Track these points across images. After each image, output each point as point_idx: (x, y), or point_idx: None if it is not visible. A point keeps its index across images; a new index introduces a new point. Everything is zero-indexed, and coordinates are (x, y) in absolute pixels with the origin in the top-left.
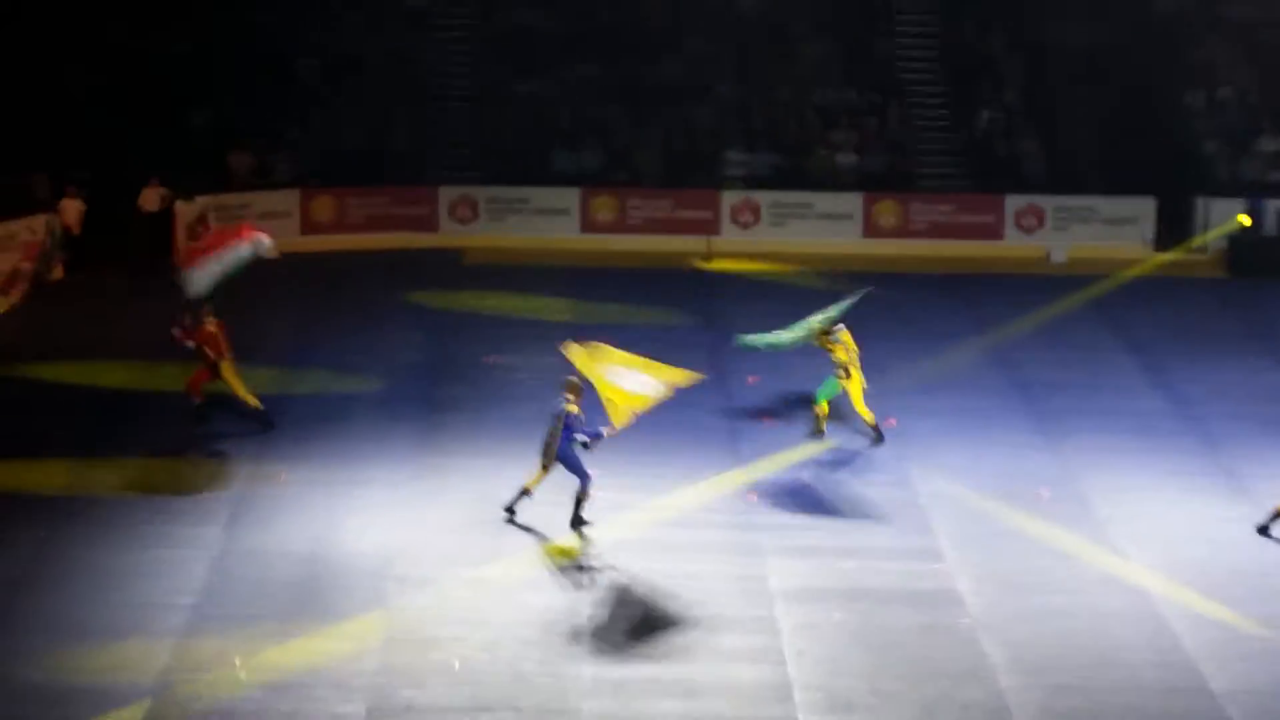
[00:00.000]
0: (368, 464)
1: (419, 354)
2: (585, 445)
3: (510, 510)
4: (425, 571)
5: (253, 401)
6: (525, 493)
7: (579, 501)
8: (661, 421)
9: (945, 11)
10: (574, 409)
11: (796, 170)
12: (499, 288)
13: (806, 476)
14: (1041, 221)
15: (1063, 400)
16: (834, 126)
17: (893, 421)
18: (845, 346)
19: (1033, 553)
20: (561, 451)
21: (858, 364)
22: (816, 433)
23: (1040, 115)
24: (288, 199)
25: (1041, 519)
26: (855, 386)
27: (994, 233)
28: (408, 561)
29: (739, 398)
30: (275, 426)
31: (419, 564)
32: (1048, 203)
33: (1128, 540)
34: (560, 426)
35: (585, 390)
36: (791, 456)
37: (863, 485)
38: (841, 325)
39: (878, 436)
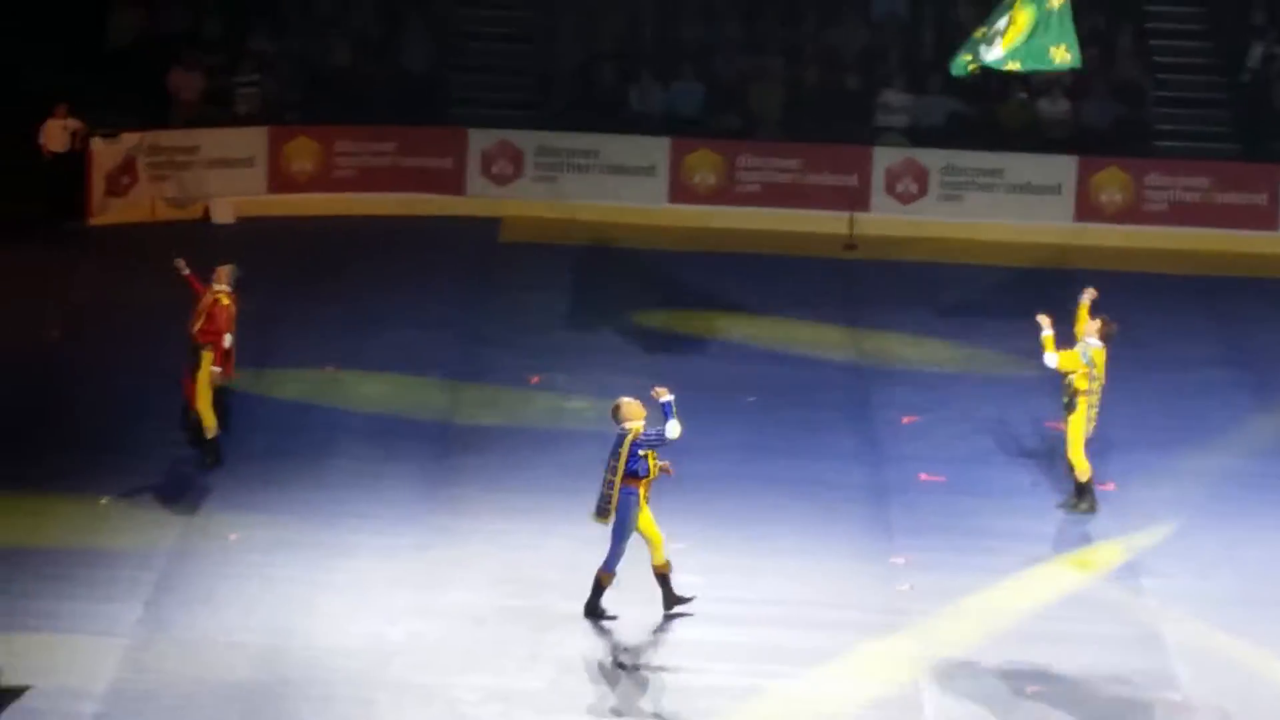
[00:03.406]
0: (355, 521)
1: (433, 366)
2: (665, 470)
3: (670, 602)
4: (433, 679)
5: (210, 423)
6: (663, 573)
7: (598, 588)
8: (779, 476)
9: None
10: (638, 426)
11: (983, 122)
12: (553, 275)
13: (984, 556)
14: None
15: None
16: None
17: (1110, 485)
18: (1092, 367)
19: None
20: (621, 507)
21: (1098, 395)
22: (1080, 508)
23: None
24: (251, 140)
25: None
26: (1079, 424)
27: (1267, 219)
28: (408, 665)
29: (889, 442)
30: (221, 464)
31: (423, 669)
32: None
33: None
34: (624, 455)
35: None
36: (963, 527)
37: (1066, 572)
38: (1096, 341)
39: (1087, 500)
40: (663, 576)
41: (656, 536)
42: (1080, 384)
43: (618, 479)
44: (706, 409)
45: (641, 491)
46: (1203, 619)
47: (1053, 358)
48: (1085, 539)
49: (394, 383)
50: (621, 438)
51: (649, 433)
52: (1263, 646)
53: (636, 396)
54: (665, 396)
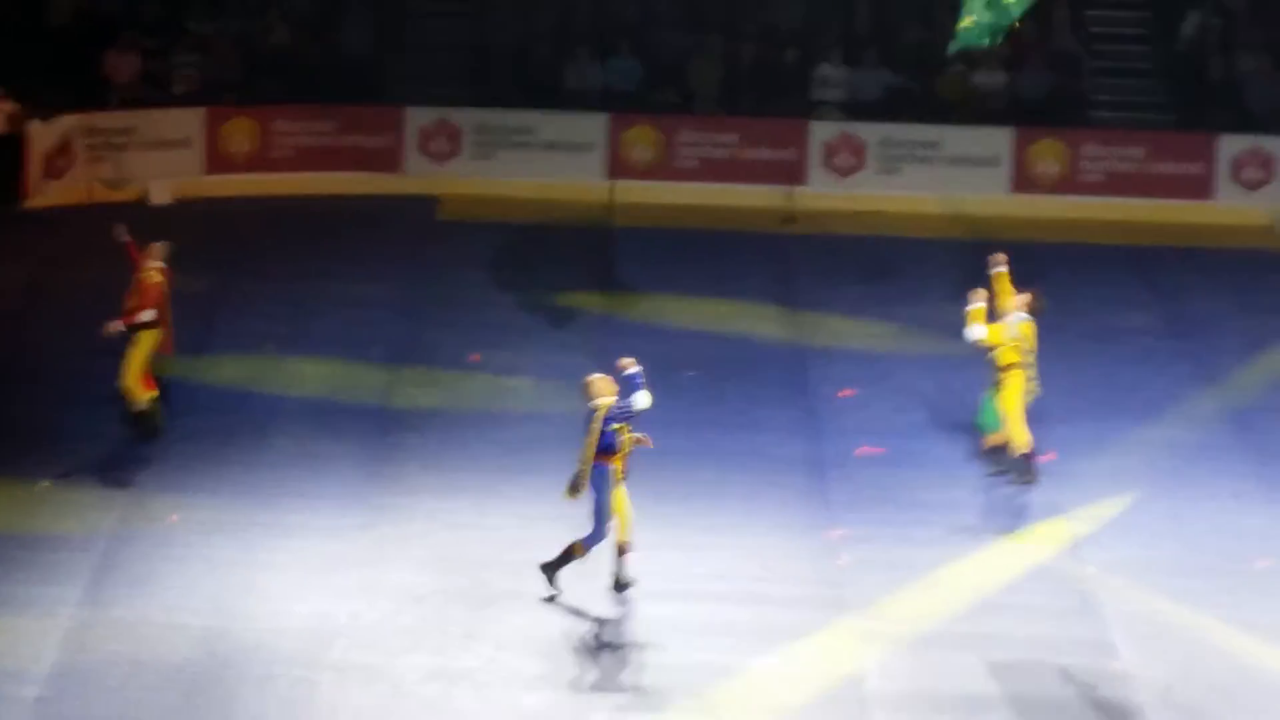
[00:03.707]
0: (296, 501)
1: (375, 345)
2: (642, 442)
3: (620, 585)
4: (375, 659)
5: (138, 396)
6: (623, 550)
7: (572, 553)
8: (719, 449)
9: None
10: (607, 401)
11: (919, 94)
12: (486, 253)
13: (921, 528)
14: (1270, 173)
15: None
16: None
17: (1051, 456)
18: (1021, 340)
19: (1245, 651)
20: (596, 484)
21: (1033, 365)
22: (1023, 479)
23: (1273, 21)
24: (189, 121)
25: (1260, 601)
26: (1014, 394)
27: (1201, 188)
28: (351, 644)
29: (827, 416)
30: (157, 437)
31: (367, 648)
32: (1279, 146)
33: None
34: (595, 430)
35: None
36: (901, 500)
37: (1006, 544)
38: (1025, 315)
39: (1029, 473)
40: (621, 554)
41: (626, 514)
42: (1010, 357)
43: (589, 455)
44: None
45: (618, 465)
46: (1144, 589)
47: (980, 329)
48: (1025, 510)
49: (333, 364)
50: (591, 414)
51: (618, 405)
52: (1204, 615)
53: (579, 375)
54: (632, 368)
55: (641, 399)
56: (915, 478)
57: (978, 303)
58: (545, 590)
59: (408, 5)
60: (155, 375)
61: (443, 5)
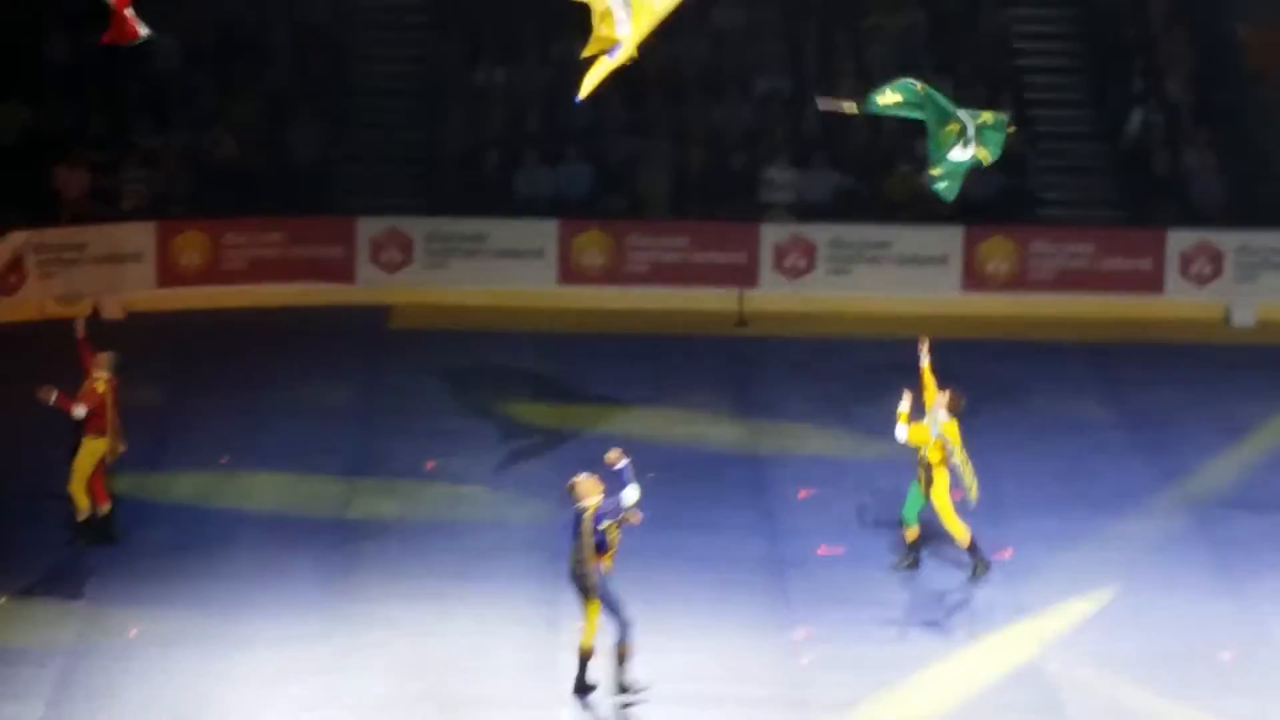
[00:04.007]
0: (255, 613)
1: (330, 455)
2: (630, 520)
3: (583, 687)
4: None
5: (82, 504)
6: (586, 656)
7: (622, 657)
8: (680, 551)
9: None
10: (595, 501)
11: (868, 195)
12: (439, 361)
13: (882, 627)
14: (1219, 268)
15: (1249, 526)
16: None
17: (1009, 553)
18: (947, 440)
19: None
20: (600, 582)
21: (965, 461)
22: (907, 564)
23: (1216, 117)
24: (139, 235)
25: (1219, 694)
26: (942, 492)
27: (1151, 283)
28: None
29: (785, 516)
30: (114, 543)
31: None
32: (1228, 240)
33: None
34: (588, 531)
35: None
36: (862, 599)
37: (965, 640)
38: (945, 415)
39: (981, 566)
40: (585, 659)
41: (594, 622)
42: (933, 456)
43: (588, 557)
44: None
45: (607, 563)
46: (1109, 683)
47: (902, 431)
48: (986, 607)
49: (288, 476)
50: (579, 516)
51: (606, 503)
52: (1171, 707)
53: (535, 482)
54: (620, 461)
55: (630, 494)
56: (874, 577)
57: (904, 404)
58: (630, 698)
59: (355, 115)
60: (108, 488)
61: (391, 116)
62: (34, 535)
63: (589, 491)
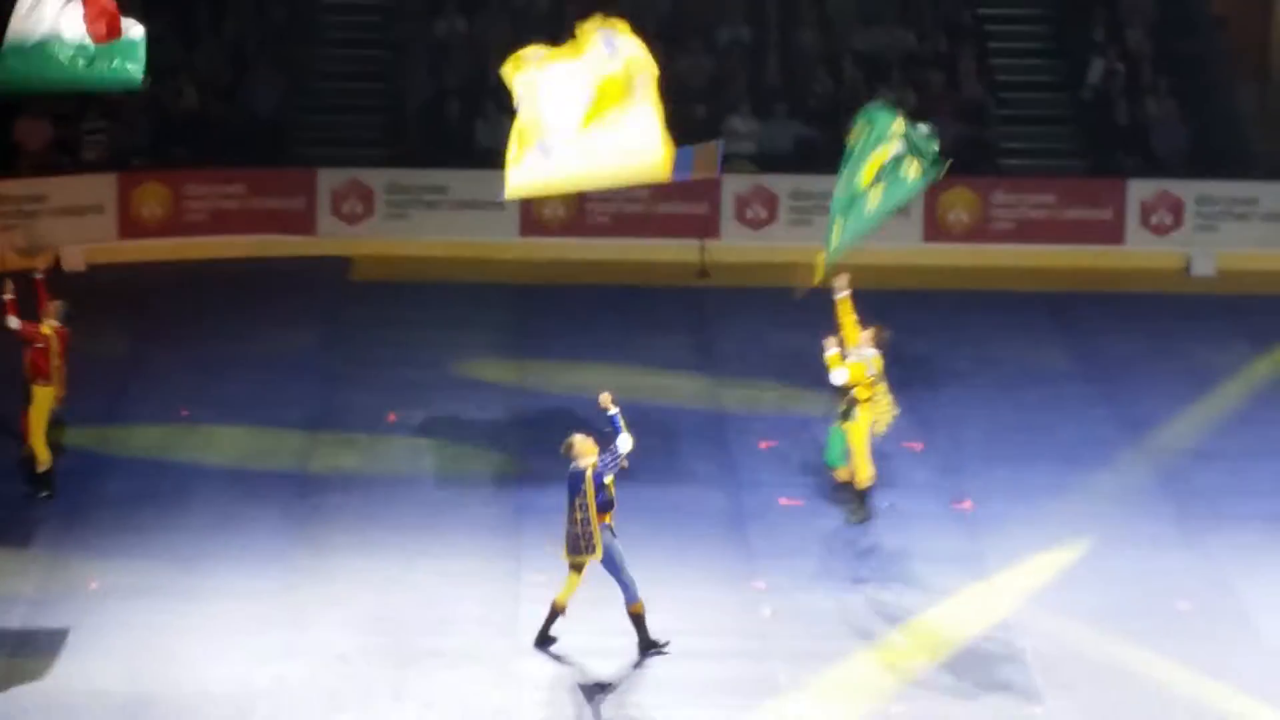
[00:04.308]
0: (216, 565)
1: (291, 407)
2: (623, 467)
3: (545, 639)
4: None
5: (43, 456)
6: (558, 612)
7: (638, 616)
8: (643, 504)
9: None
10: (592, 459)
11: (829, 146)
12: (400, 313)
13: (843, 580)
14: (1179, 218)
15: (1209, 477)
16: (883, 82)
17: (968, 504)
18: (868, 372)
19: (1166, 696)
20: (605, 540)
21: (885, 392)
22: (860, 518)
23: (1178, 66)
24: (100, 187)
25: (1179, 642)
26: (862, 428)
27: (1111, 233)
28: (274, 707)
29: (747, 468)
30: (54, 497)
31: (291, 711)
32: (1188, 190)
33: None
34: (591, 491)
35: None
36: (822, 550)
37: (923, 592)
38: (872, 350)
39: (863, 510)
40: (555, 614)
41: (573, 584)
42: (862, 393)
43: (593, 515)
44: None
45: (609, 521)
46: (1069, 631)
47: (841, 373)
48: (948, 556)
49: (249, 429)
50: (580, 474)
51: (603, 459)
52: (1128, 652)
53: (497, 436)
54: (612, 408)
55: (624, 442)
56: (834, 528)
57: (833, 349)
58: (658, 650)
59: (316, 66)
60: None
61: (352, 65)
62: None
63: (586, 451)
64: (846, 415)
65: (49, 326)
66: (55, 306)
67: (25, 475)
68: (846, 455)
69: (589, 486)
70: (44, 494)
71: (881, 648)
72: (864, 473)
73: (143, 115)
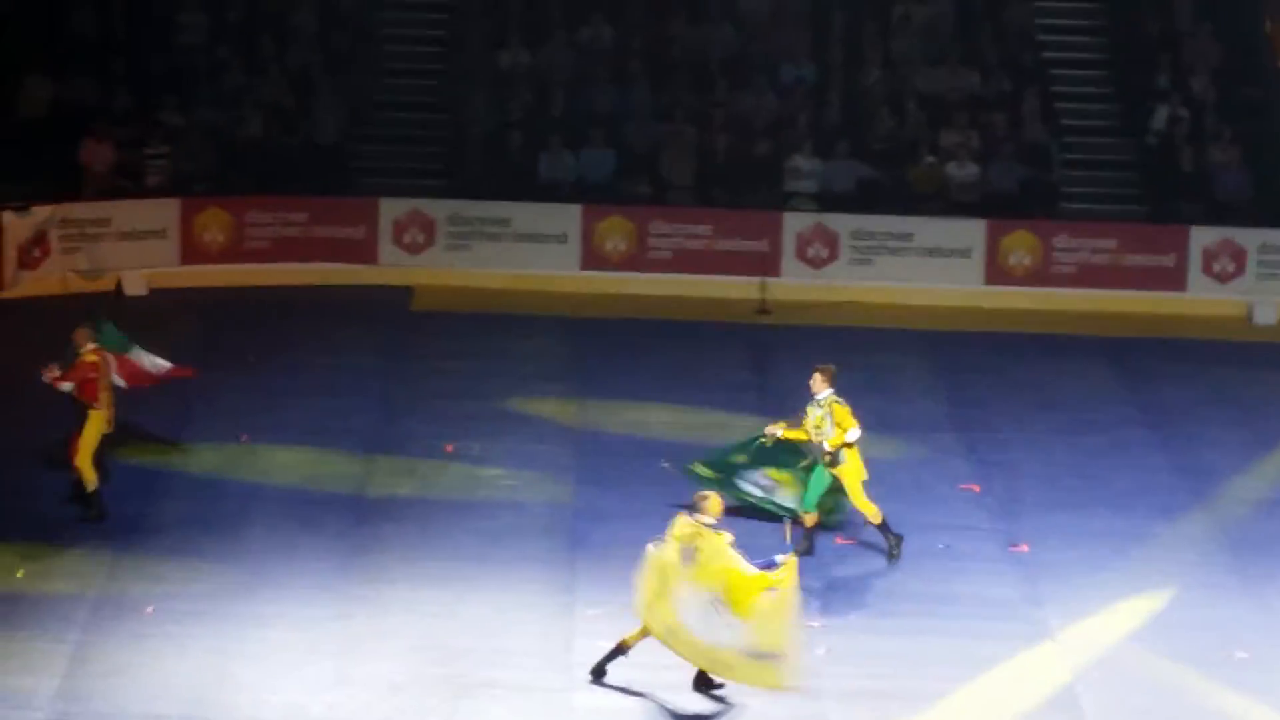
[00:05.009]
0: (272, 592)
1: (349, 435)
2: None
3: (600, 673)
4: None
5: (89, 477)
6: (622, 650)
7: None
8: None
9: None
10: (709, 521)
11: (892, 186)
12: (460, 344)
13: (897, 619)
14: (1241, 266)
15: (1269, 526)
16: (946, 124)
17: (1024, 547)
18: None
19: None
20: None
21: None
22: (894, 554)
23: (1242, 113)
24: (163, 212)
25: (1236, 694)
26: (853, 472)
27: (1173, 280)
28: None
29: None
30: (105, 519)
31: None
32: (1251, 238)
33: None
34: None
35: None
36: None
37: (980, 635)
38: (828, 391)
39: (893, 545)
40: (620, 650)
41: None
42: (834, 441)
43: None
44: (629, 476)
45: None
46: (1121, 681)
47: (855, 432)
48: (1003, 600)
49: (308, 454)
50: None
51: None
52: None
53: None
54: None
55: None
56: (887, 568)
57: (774, 429)
58: (713, 687)
59: (380, 96)
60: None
61: (415, 96)
62: (49, 511)
63: (712, 510)
64: (834, 462)
65: (89, 353)
66: (84, 331)
67: (75, 496)
68: (818, 500)
69: (681, 531)
70: (93, 514)
71: (932, 687)
72: (870, 509)
73: (206, 142)
